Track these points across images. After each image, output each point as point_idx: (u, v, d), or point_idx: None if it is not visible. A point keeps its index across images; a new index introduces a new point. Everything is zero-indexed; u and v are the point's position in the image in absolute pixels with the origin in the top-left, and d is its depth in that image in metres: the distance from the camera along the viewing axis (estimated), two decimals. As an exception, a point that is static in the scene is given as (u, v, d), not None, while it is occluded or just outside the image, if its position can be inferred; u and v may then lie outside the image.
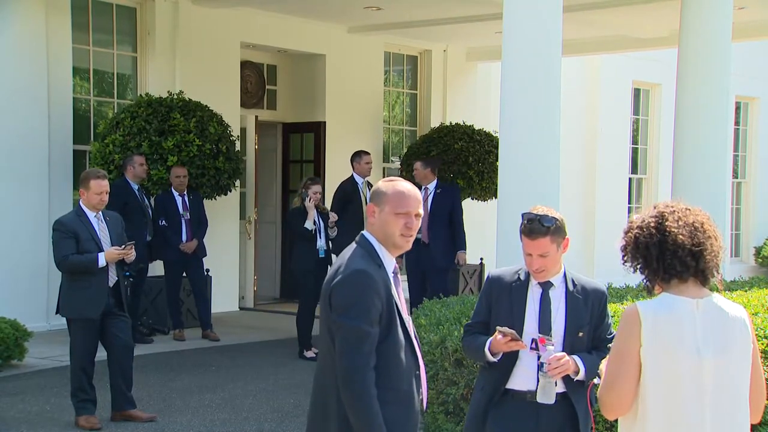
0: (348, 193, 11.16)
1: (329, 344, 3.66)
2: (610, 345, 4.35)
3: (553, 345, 4.28)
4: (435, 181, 10.97)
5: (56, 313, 7.51)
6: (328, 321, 3.65)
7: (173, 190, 10.88)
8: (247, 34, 13.39)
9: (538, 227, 4.28)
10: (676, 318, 3.23)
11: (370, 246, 3.74)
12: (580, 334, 4.36)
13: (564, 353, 4.26)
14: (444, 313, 6.98)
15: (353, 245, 3.78)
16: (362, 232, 3.82)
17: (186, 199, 10.95)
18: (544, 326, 4.34)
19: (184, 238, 10.93)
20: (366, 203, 11.14)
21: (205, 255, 11.20)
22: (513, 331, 4.25)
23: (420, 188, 11.43)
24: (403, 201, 3.71)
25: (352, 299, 3.57)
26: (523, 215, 4.37)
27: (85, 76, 12.04)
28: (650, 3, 12.11)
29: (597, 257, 17.12)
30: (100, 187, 7.34)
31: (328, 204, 11.31)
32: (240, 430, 7.32)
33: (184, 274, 11.13)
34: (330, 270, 3.79)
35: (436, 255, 10.60)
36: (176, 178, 10.82)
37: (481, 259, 14.13)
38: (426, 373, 6.17)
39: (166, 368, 9.44)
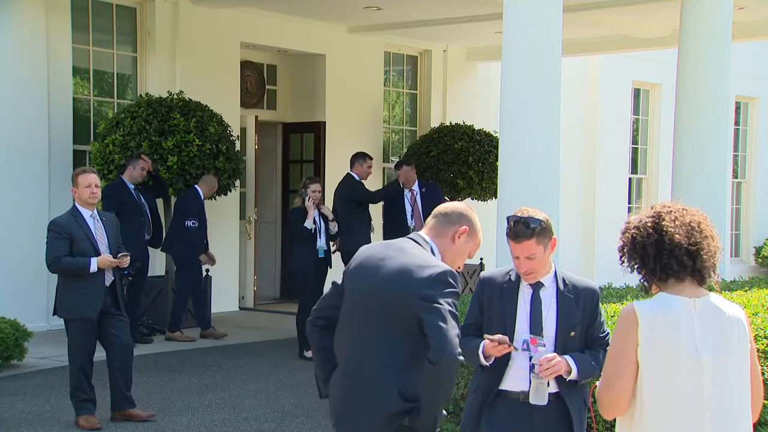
0: (363, 192, 11.37)
1: (393, 329, 3.69)
2: (603, 343, 4.37)
3: (544, 345, 4.27)
4: (416, 180, 11.19)
5: (53, 314, 7.51)
6: (395, 305, 3.68)
7: (198, 190, 10.95)
8: (247, 34, 13.39)
9: (523, 230, 4.26)
10: (674, 317, 3.24)
11: (434, 254, 3.85)
12: (572, 333, 4.34)
13: (555, 354, 4.25)
14: (444, 313, 6.96)
15: (418, 245, 3.83)
16: (425, 236, 3.88)
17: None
18: (535, 327, 4.33)
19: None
20: None
21: None
22: (499, 336, 4.24)
23: (403, 192, 11.78)
24: (477, 247, 4.01)
25: (452, 291, 3.67)
26: (508, 218, 4.36)
27: (85, 76, 12.04)
28: (650, 3, 12.10)
29: (597, 257, 17.13)
30: (87, 180, 7.32)
31: (328, 204, 11.32)
32: (240, 430, 7.32)
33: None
34: (385, 260, 3.78)
35: None
36: (213, 187, 11.05)
37: (481, 259, 14.14)
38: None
39: (166, 368, 9.45)
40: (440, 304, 3.60)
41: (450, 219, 3.90)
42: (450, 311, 3.60)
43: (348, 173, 11.43)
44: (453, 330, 3.58)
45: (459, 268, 3.90)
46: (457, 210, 3.94)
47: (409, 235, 3.92)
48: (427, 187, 11.46)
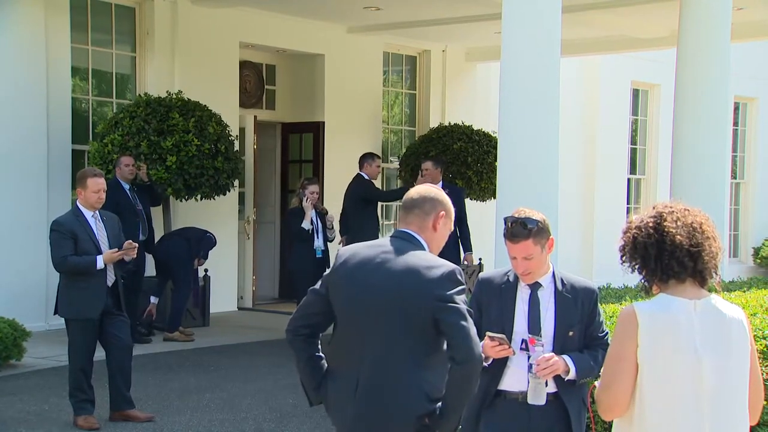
0: (375, 191, 11.37)
1: (405, 336, 3.69)
2: (602, 343, 4.37)
3: (542, 345, 4.28)
4: (441, 181, 11.13)
5: (54, 313, 7.51)
6: (409, 307, 3.67)
7: None
8: (246, 34, 13.38)
9: (520, 230, 4.27)
10: (674, 318, 3.23)
11: (424, 249, 3.82)
12: (571, 333, 4.35)
13: (553, 354, 4.26)
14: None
15: (410, 243, 3.80)
16: (412, 232, 3.83)
17: None
18: (534, 327, 4.34)
19: None
20: None
21: None
22: (502, 336, 4.24)
23: None
24: (452, 224, 3.97)
25: (463, 288, 3.71)
26: (505, 219, 4.36)
27: (84, 76, 12.04)
28: (650, 3, 12.11)
29: (596, 257, 17.13)
30: (97, 185, 7.33)
31: (327, 204, 11.33)
32: (239, 430, 7.31)
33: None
34: (387, 263, 3.74)
35: (449, 255, 10.77)
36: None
37: (480, 259, 14.12)
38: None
39: (165, 368, 9.44)
40: (457, 303, 3.64)
41: (425, 209, 3.85)
42: (467, 309, 3.67)
43: (358, 173, 11.50)
44: (473, 329, 3.65)
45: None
46: (427, 196, 3.88)
47: (394, 234, 3.88)
48: (450, 189, 11.36)
